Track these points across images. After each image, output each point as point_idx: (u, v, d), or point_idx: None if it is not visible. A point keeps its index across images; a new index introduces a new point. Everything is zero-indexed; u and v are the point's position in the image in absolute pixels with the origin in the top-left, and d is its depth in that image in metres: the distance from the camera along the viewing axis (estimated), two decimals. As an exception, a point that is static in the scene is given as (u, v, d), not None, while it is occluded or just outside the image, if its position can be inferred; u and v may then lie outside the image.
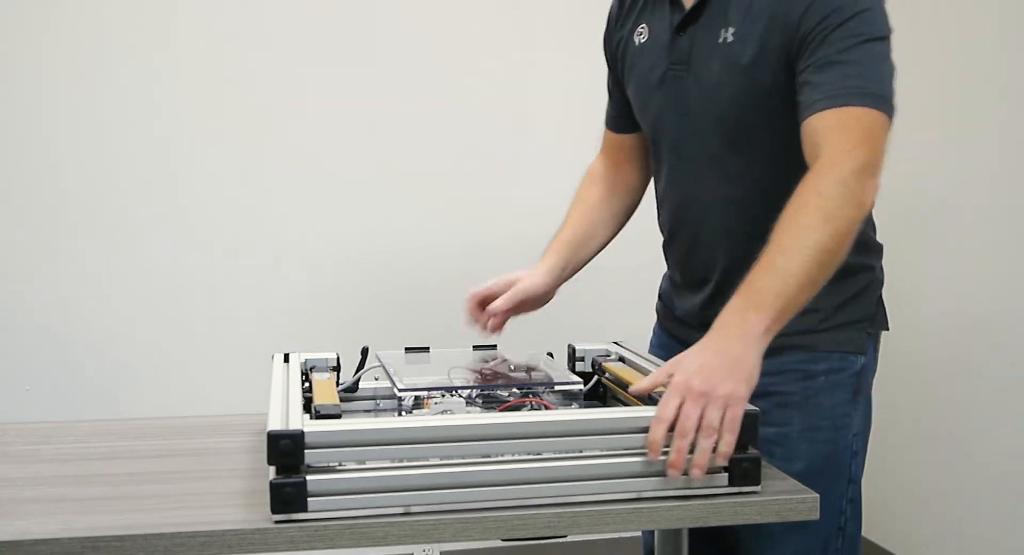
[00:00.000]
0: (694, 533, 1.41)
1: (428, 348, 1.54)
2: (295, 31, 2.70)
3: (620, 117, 1.64)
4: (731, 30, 1.38)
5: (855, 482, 1.44)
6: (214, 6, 2.66)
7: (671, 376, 1.18)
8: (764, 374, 1.43)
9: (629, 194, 1.68)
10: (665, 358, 1.52)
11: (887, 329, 1.51)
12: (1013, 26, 2.35)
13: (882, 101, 1.27)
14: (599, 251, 1.66)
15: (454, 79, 2.79)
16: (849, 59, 1.27)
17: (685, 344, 1.41)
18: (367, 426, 1.12)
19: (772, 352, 1.42)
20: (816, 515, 1.18)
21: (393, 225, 2.79)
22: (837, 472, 1.41)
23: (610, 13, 1.60)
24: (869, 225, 1.47)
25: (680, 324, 1.57)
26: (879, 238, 1.51)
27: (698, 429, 1.13)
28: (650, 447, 1.14)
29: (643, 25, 1.50)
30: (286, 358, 1.48)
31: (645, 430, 1.15)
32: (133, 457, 1.37)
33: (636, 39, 1.51)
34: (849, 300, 1.45)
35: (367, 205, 2.77)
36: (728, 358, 1.16)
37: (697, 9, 1.42)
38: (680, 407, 1.13)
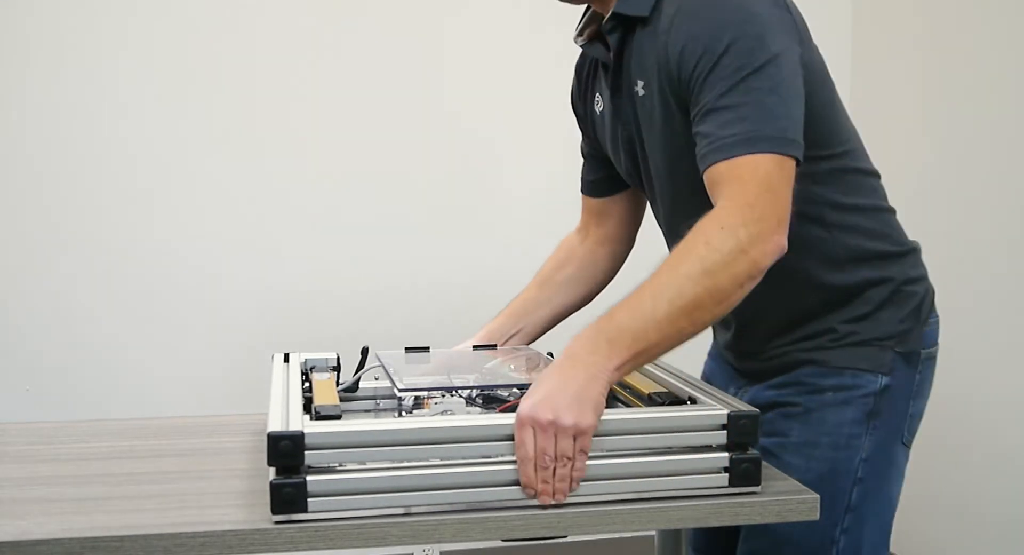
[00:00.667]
0: (694, 533, 1.41)
1: (428, 348, 1.53)
2: (296, 32, 2.70)
3: (596, 181, 1.61)
4: (640, 83, 1.34)
5: (854, 511, 1.35)
6: (214, 6, 2.66)
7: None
8: (774, 387, 1.40)
9: (594, 264, 1.64)
10: (717, 369, 1.55)
11: (924, 347, 1.39)
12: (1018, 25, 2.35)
13: (772, 142, 1.19)
14: (560, 316, 1.62)
15: (456, 82, 2.80)
16: (728, 103, 1.20)
17: (729, 363, 1.49)
18: (367, 427, 1.12)
19: (786, 367, 1.39)
20: (816, 515, 1.18)
21: (393, 225, 2.79)
22: (832, 496, 1.31)
23: (572, 86, 1.58)
24: (874, 237, 1.38)
25: (724, 349, 1.55)
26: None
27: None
28: (525, 489, 1.12)
29: (598, 94, 1.49)
30: (286, 358, 1.47)
31: (645, 431, 1.15)
32: (133, 457, 1.37)
33: (597, 109, 1.50)
34: (864, 317, 1.37)
35: (368, 205, 2.77)
36: (571, 389, 1.12)
37: (616, 68, 1.38)
38: (535, 441, 1.11)
